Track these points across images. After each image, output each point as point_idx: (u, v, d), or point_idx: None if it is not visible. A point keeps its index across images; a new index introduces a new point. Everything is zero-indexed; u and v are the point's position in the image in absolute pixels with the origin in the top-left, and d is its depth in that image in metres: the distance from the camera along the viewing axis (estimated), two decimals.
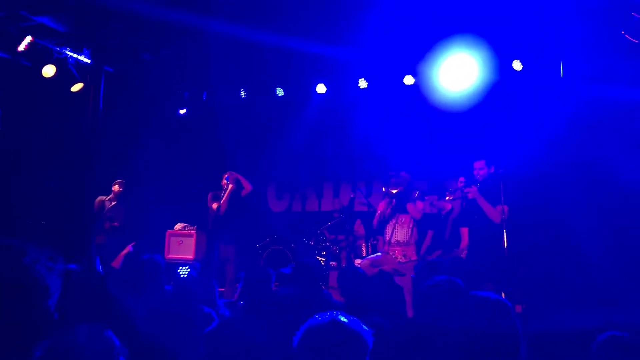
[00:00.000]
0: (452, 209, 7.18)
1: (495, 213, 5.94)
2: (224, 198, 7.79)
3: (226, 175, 7.92)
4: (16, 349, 1.28)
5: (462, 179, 6.39)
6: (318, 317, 1.82)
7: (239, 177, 7.93)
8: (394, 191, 6.75)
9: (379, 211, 6.93)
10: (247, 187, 7.96)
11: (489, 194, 6.00)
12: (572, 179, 6.35)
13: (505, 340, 2.08)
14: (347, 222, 8.90)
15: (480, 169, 6.22)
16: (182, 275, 6.71)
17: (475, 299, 2.21)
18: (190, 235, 8.33)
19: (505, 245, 6.19)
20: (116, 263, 5.68)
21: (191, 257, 8.14)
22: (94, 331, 2.15)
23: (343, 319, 1.80)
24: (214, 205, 7.77)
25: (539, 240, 6.69)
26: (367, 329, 1.82)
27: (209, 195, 7.97)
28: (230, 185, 7.81)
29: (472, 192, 6.06)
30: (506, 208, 5.98)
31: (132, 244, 5.92)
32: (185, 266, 7.52)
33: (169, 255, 8.21)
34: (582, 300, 5.52)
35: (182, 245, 8.29)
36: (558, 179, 6.56)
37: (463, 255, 7.01)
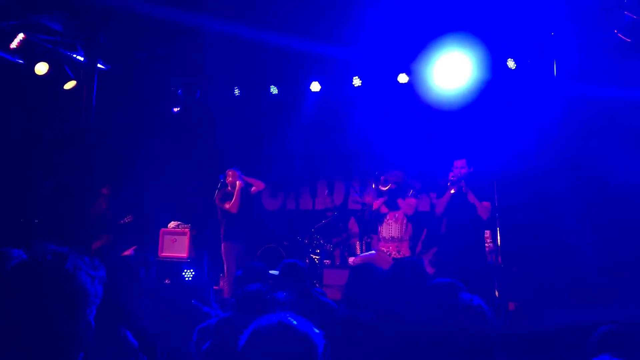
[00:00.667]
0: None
1: (483, 209, 6.08)
2: (235, 197, 7.56)
3: (230, 173, 7.78)
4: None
5: (452, 174, 6.46)
6: (265, 318, 1.74)
7: (245, 178, 7.80)
8: (384, 189, 6.80)
9: (373, 208, 6.94)
10: (259, 185, 7.86)
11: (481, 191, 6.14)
12: (566, 177, 6.39)
13: (480, 343, 2.08)
14: (341, 221, 8.92)
15: (462, 167, 6.32)
16: (187, 278, 6.69)
17: (460, 300, 2.20)
18: (183, 234, 8.32)
19: (499, 244, 6.23)
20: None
21: (185, 255, 8.13)
22: (112, 333, 2.14)
23: (292, 320, 1.72)
24: (226, 205, 7.58)
25: (532, 238, 6.72)
26: (318, 331, 1.74)
27: (218, 194, 7.72)
28: (238, 183, 7.64)
29: (464, 187, 6.17)
30: (489, 204, 6.10)
31: (134, 247, 5.94)
32: (190, 269, 7.48)
33: (163, 254, 8.19)
34: (574, 297, 5.54)
35: (176, 244, 8.27)
36: (551, 177, 6.59)
37: None
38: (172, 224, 8.49)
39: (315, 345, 1.69)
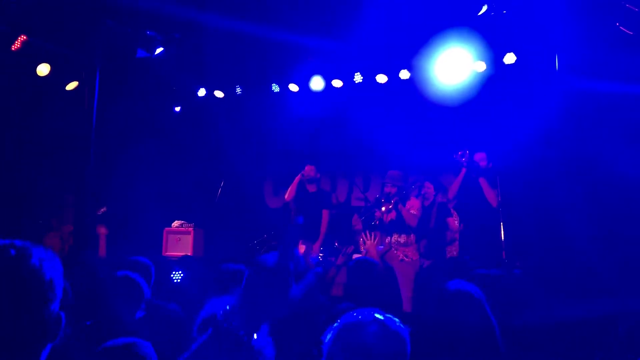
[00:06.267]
0: (434, 201, 7.26)
1: (493, 195, 6.23)
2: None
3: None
4: None
5: (462, 154, 6.53)
6: (356, 315, 1.72)
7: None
8: (393, 190, 6.82)
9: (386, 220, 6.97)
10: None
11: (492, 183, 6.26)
12: (568, 172, 6.37)
13: (482, 333, 2.08)
14: (345, 218, 8.92)
15: (481, 160, 6.38)
16: (175, 280, 6.51)
17: (447, 292, 2.20)
18: (187, 233, 8.34)
19: (502, 238, 6.23)
20: (102, 251, 5.74)
21: (189, 254, 8.14)
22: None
23: (380, 316, 1.71)
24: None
25: (535, 232, 6.71)
26: (404, 326, 1.72)
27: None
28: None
29: (477, 169, 6.36)
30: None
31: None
32: (178, 271, 7.28)
33: (167, 253, 8.21)
34: (578, 291, 5.54)
35: (180, 243, 8.29)
36: (554, 171, 6.58)
37: (455, 246, 7.18)
38: (175, 223, 8.51)
39: (406, 342, 1.68)
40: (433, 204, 7.25)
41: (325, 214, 7.55)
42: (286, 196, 7.66)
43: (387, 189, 6.89)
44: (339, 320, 1.72)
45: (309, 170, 7.69)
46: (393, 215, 6.79)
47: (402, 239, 6.77)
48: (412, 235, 6.77)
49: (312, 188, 7.70)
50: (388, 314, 1.74)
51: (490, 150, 6.90)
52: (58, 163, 8.24)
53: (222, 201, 8.55)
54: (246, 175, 8.67)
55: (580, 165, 6.35)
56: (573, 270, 5.82)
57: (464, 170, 6.53)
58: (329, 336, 1.69)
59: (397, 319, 1.73)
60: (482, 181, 6.23)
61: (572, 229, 6.18)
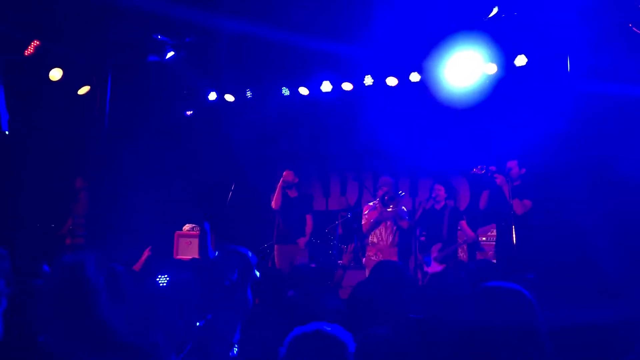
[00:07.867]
0: (445, 205, 7.26)
1: (519, 205, 6.24)
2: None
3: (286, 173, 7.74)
4: None
5: (493, 167, 6.53)
6: (302, 328, 1.91)
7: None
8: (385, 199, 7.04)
9: (370, 220, 7.17)
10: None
11: (515, 191, 6.28)
12: (580, 175, 6.34)
13: (526, 336, 1.98)
14: (354, 221, 8.90)
15: (511, 168, 6.48)
16: (160, 284, 6.43)
17: (489, 290, 2.12)
18: (198, 236, 8.35)
19: (514, 242, 6.20)
20: (137, 266, 5.73)
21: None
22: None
23: (327, 328, 1.90)
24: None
25: (547, 235, 6.67)
26: (348, 333, 1.92)
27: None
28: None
29: (500, 179, 6.33)
30: (529, 203, 6.27)
31: (149, 247, 5.95)
32: (164, 275, 7.10)
33: (178, 256, 8.24)
34: (591, 295, 5.50)
35: (191, 246, 8.31)
36: (565, 174, 6.54)
37: (464, 247, 7.24)
38: (186, 227, 8.53)
39: (347, 348, 1.87)
40: (445, 208, 7.22)
41: (309, 219, 7.57)
42: (272, 204, 7.62)
43: (379, 192, 7.20)
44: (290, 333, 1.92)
45: (287, 175, 7.65)
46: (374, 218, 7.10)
47: (376, 238, 7.05)
48: (395, 235, 7.05)
49: (292, 193, 7.69)
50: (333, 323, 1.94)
51: (500, 153, 6.87)
52: (70, 167, 8.28)
53: (233, 204, 8.56)
54: (257, 178, 8.67)
55: (593, 168, 6.31)
56: (588, 274, 5.77)
57: (486, 192, 6.64)
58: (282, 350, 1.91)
59: (340, 327, 1.93)
60: (507, 189, 6.27)
61: (585, 232, 6.14)
